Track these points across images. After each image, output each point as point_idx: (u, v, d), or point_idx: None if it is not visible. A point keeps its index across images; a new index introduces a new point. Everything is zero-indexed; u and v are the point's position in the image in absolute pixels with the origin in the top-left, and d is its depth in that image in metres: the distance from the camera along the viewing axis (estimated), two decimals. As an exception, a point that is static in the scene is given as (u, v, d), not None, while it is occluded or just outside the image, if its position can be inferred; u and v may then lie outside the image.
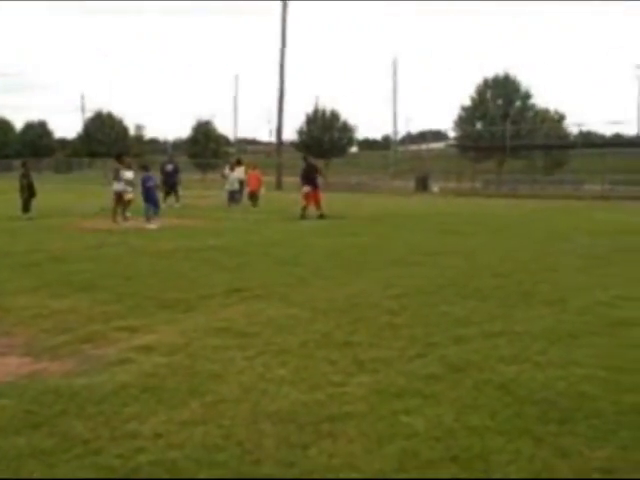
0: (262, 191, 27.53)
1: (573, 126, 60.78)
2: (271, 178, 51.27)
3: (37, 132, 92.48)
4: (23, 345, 6.10)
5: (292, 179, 50.45)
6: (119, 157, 21.21)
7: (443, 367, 5.35)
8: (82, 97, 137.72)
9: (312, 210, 21.32)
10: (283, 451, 3.80)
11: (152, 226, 17.82)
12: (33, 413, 4.38)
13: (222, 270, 10.30)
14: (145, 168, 19.82)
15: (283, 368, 5.32)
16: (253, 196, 26.70)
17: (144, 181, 18.95)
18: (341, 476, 3.54)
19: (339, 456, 3.75)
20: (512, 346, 5.97)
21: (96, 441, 3.94)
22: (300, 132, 60.66)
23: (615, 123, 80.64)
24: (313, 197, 21.67)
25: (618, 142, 53.98)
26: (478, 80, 60.25)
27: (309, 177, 21.94)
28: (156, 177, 20.11)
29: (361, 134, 68.29)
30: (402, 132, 70.10)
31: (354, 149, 72.92)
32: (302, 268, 10.60)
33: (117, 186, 19.74)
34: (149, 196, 18.70)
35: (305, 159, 24.01)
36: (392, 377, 5.11)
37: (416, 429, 4.12)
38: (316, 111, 60.24)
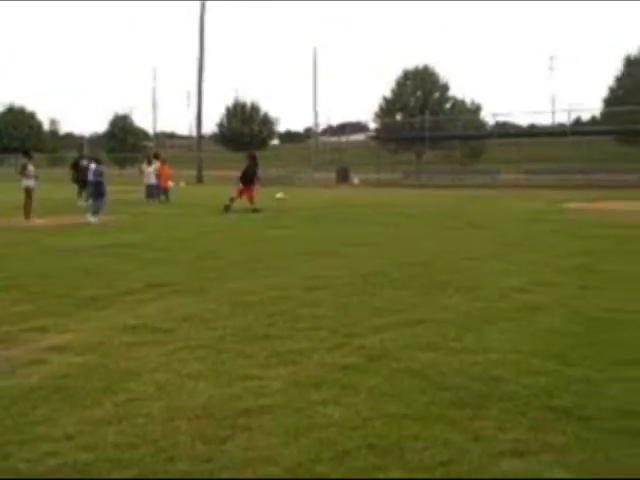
0: (170, 185, 27.42)
1: (490, 116, 62.12)
2: (192, 172, 50.82)
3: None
4: None
5: (214, 172, 50.13)
6: (26, 153, 20.53)
7: (361, 357, 5.38)
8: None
9: (244, 204, 21.24)
10: (199, 447, 3.75)
11: (94, 220, 17.56)
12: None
13: (141, 266, 10.12)
14: (97, 161, 19.70)
15: (200, 363, 5.25)
16: (164, 190, 26.65)
17: (95, 174, 18.75)
18: (258, 469, 3.52)
19: (256, 449, 3.73)
20: (429, 334, 6.06)
21: (4, 446, 3.80)
22: (220, 125, 60.17)
23: (530, 113, 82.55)
24: (248, 192, 21.63)
25: (533, 132, 55.42)
26: (398, 72, 60.96)
27: (251, 173, 22.00)
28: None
29: (283, 127, 68.06)
30: (323, 124, 70.08)
31: (275, 142, 72.80)
32: (222, 262, 10.52)
33: (26, 182, 19.09)
34: (98, 190, 18.49)
35: (250, 155, 24.02)
36: (310, 368, 5.11)
37: (333, 419, 4.13)
38: (236, 104, 59.80)
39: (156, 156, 28.41)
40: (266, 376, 4.93)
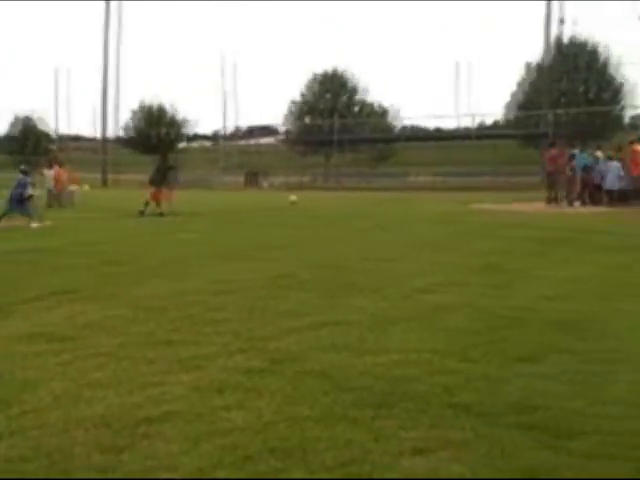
0: (73, 188, 26.86)
1: (398, 120, 63.15)
2: (98, 175, 49.75)
3: None
4: None
5: (120, 176, 49.22)
6: None
7: (265, 360, 5.35)
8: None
9: (154, 207, 20.90)
10: (95, 458, 3.64)
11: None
12: None
13: (45, 272, 9.80)
14: (24, 172, 19.19)
15: (100, 371, 5.11)
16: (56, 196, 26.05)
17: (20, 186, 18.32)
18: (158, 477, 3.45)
19: (155, 458, 3.65)
20: (333, 335, 6.08)
21: None
22: (126, 128, 59.06)
23: (438, 117, 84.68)
24: (158, 195, 21.26)
25: (440, 135, 56.66)
26: (308, 75, 61.19)
27: (164, 175, 21.70)
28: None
29: (192, 129, 67.20)
30: (232, 127, 69.68)
31: (183, 144, 71.86)
32: (130, 267, 10.31)
33: None
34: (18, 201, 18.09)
35: (163, 156, 23.71)
36: (213, 373, 5.05)
37: (236, 424, 4.08)
38: (142, 106, 58.82)
39: (55, 159, 27.62)
40: (168, 382, 4.84)
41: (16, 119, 71.29)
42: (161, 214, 20.46)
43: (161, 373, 5.07)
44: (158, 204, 21.02)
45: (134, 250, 12.55)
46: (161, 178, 21.70)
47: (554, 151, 25.24)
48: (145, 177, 22.21)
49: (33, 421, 4.15)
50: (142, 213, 20.50)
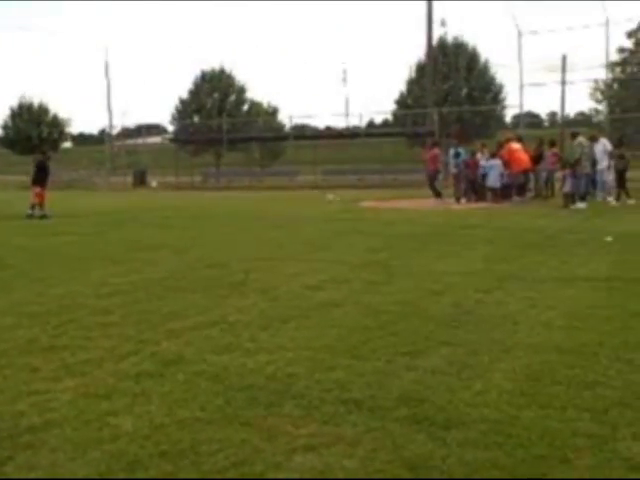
0: None
1: (287, 119, 63.45)
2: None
3: None
4: None
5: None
6: None
7: (155, 363, 5.26)
8: None
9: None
10: (-26, 471, 3.48)
11: None
12: None
13: None
14: None
15: (-23, 380, 4.89)
16: None
17: None
18: None
19: (39, 468, 3.52)
20: (225, 336, 6.04)
21: None
22: (5, 127, 56.63)
23: (327, 116, 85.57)
24: (42, 195, 20.44)
25: (328, 134, 57.08)
26: (196, 73, 60.43)
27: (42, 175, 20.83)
28: None
29: (78, 129, 65.16)
30: (118, 126, 68.01)
31: (68, 144, 69.72)
32: (9, 271, 9.91)
33: None
34: None
35: (43, 154, 22.73)
36: (101, 378, 4.92)
37: (124, 429, 3.99)
38: (21, 105, 56.51)
39: None
40: (53, 389, 4.68)
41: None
42: (44, 216, 19.73)
43: (46, 380, 4.89)
44: (41, 205, 20.25)
45: (9, 253, 12.06)
46: (45, 177, 20.85)
47: (436, 150, 25.96)
48: (27, 178, 21.28)
49: None
50: (31, 216, 19.65)
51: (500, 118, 51.86)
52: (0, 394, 4.61)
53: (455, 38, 49.57)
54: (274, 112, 63.52)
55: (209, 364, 5.23)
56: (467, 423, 4.04)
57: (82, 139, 70.95)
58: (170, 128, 63.53)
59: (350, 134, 49.10)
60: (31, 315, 6.95)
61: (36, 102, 59.81)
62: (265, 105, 63.20)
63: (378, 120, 66.05)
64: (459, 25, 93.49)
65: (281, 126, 60.69)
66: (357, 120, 66.80)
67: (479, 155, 24.95)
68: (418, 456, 3.62)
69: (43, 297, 7.91)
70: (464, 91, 48.50)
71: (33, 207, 20.04)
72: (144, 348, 5.67)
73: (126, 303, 7.48)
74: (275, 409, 4.29)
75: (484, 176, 23.98)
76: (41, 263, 10.80)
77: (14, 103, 60.36)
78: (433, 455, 3.63)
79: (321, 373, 4.98)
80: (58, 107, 60.81)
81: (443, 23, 44.56)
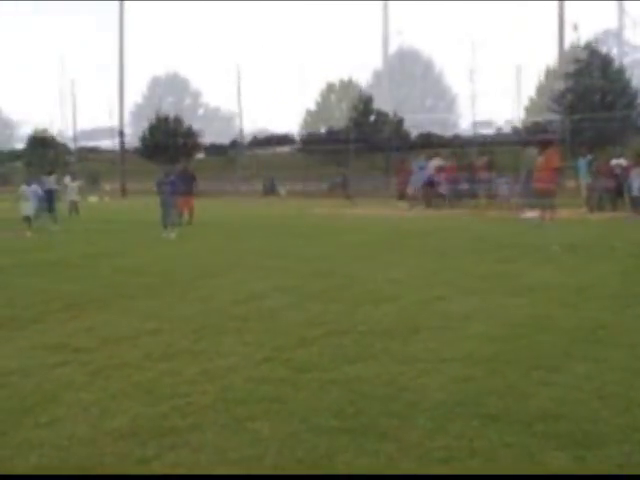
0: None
1: (412, 127, 63.30)
2: (116, 185, 50.07)
3: None
4: None
5: (139, 185, 49.40)
6: None
7: (289, 370, 5.36)
8: None
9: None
10: (124, 467, 3.67)
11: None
12: None
13: (59, 283, 9.82)
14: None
15: (125, 382, 5.14)
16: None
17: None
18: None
19: (183, 467, 3.68)
20: (356, 345, 6.09)
21: None
22: (143, 139, 59.39)
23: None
24: (186, 204, 21.22)
25: (447, 142, 56.37)
26: (322, 85, 61.49)
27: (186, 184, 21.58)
28: None
29: (209, 139, 67.35)
30: (249, 136, 69.88)
31: (201, 155, 72.15)
32: (147, 278, 10.34)
33: None
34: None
35: (184, 165, 23.72)
36: (238, 383, 5.06)
37: (262, 434, 4.10)
38: (159, 118, 59.13)
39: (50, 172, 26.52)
40: (194, 393, 4.86)
41: (35, 131, 71.82)
42: (188, 223, 20.45)
43: (187, 383, 5.08)
44: (181, 214, 20.88)
45: (153, 261, 12.60)
46: (189, 187, 21.38)
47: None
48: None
49: (62, 431, 4.19)
50: (179, 224, 20.28)
51: (636, 124, 49.68)
52: (145, 396, 4.83)
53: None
54: (400, 121, 63.47)
55: (342, 372, 5.28)
56: (608, 443, 3.89)
57: (214, 149, 73.13)
58: (298, 137, 64.74)
59: (463, 142, 48.31)
60: (172, 320, 7.25)
61: (172, 115, 62.35)
62: (391, 115, 63.27)
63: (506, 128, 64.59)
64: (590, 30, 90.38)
65: (406, 135, 60.48)
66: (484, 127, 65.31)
67: (614, 162, 24.03)
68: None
69: (183, 302, 8.24)
70: (597, 96, 46.81)
71: (180, 215, 20.68)
72: (278, 355, 5.80)
73: (260, 310, 7.67)
74: (408, 420, 4.28)
75: (622, 185, 23.02)
76: (182, 269, 11.23)
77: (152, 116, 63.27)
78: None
79: (454, 385, 4.93)
80: (191, 119, 63.05)
81: (575, 28, 43.22)
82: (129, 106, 61.16)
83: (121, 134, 52.75)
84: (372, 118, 59.20)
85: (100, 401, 4.73)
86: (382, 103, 44.91)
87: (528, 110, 58.19)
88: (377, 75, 49.58)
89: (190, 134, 61.33)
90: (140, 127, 58.09)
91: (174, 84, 58.28)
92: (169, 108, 57.72)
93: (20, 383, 5.20)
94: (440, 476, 3.61)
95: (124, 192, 48.74)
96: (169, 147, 56.73)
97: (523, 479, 3.63)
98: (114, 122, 56.27)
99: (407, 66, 47.32)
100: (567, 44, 38.46)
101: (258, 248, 14.11)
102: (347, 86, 60.33)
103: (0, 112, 63.17)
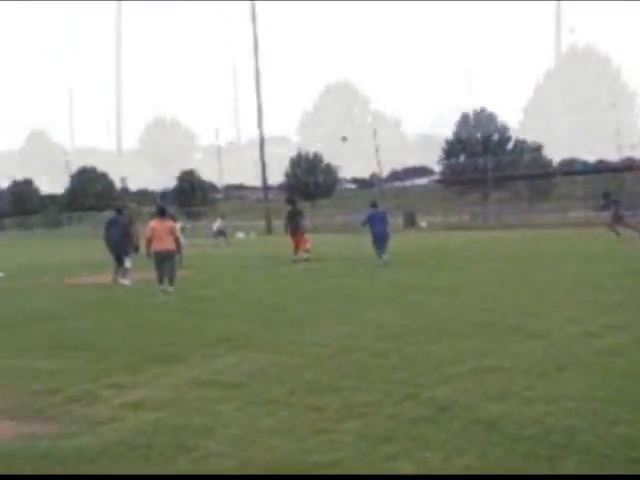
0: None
1: (554, 154, 61.62)
2: (261, 222, 51.66)
3: (24, 189, 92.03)
4: (14, 408, 6.05)
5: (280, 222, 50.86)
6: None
7: (430, 409, 5.33)
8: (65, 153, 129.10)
9: (300, 253, 21.24)
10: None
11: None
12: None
13: (209, 320, 10.25)
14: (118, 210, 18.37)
15: (271, 418, 5.29)
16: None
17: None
18: None
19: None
20: (500, 383, 5.97)
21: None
22: (286, 175, 61.42)
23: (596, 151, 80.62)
24: (300, 241, 21.55)
25: (601, 168, 54.34)
26: (454, 116, 61.27)
27: (295, 221, 21.83)
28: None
29: (347, 173, 68.62)
30: (387, 170, 70.48)
31: (341, 189, 73.45)
32: (290, 313, 10.58)
33: None
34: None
35: (290, 202, 23.79)
36: (380, 421, 5.09)
37: (404, 473, 4.10)
38: (299, 155, 61.00)
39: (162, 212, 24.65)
40: (337, 430, 4.94)
41: (183, 173, 75.40)
42: (294, 260, 20.68)
43: (329, 420, 5.17)
44: (296, 250, 21.28)
45: (291, 296, 12.85)
46: (295, 225, 21.74)
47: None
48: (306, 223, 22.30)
49: (213, 465, 4.37)
50: (296, 261, 20.73)
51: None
52: (290, 432, 4.96)
53: None
54: (539, 148, 62.04)
55: (485, 412, 5.20)
56: None
57: (353, 183, 74.23)
58: (436, 169, 64.57)
59: (624, 167, 46.22)
60: (314, 356, 7.39)
61: (311, 153, 64.11)
62: (530, 142, 61.98)
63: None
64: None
65: (547, 162, 58.92)
66: (630, 151, 62.26)
67: None
68: None
69: (325, 338, 8.36)
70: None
71: (306, 251, 21.08)
72: (420, 393, 5.78)
73: (401, 346, 7.67)
74: (558, 463, 4.15)
75: None
76: (317, 304, 11.43)
77: (293, 154, 65.21)
78: None
79: (604, 427, 4.74)
80: (330, 157, 64.35)
81: None
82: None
83: (263, 177, 54.29)
84: (510, 146, 58.25)
85: (248, 436, 4.89)
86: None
87: None
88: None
89: (329, 170, 62.64)
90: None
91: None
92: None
93: (173, 417, 5.46)
94: (440, 476, 3.47)
95: (269, 229, 50.10)
96: (309, 184, 58.14)
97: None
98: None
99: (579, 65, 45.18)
100: None
101: (413, 282, 14.11)
102: (482, 115, 59.77)
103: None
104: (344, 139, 54.69)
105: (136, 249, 16.97)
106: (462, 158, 59.13)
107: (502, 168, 53.02)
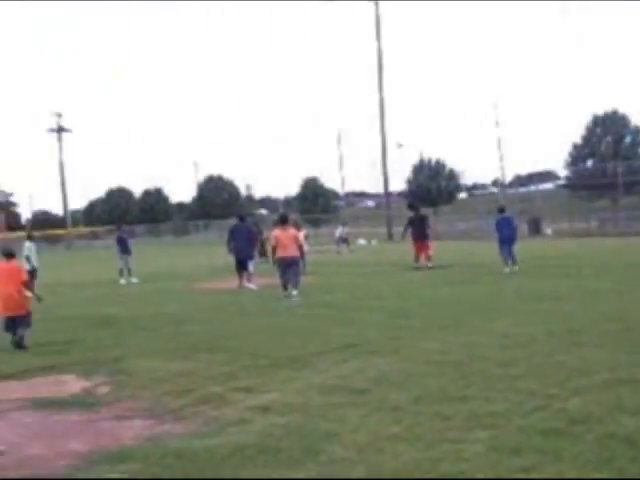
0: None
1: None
2: (383, 229, 51.74)
3: (155, 198, 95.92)
4: (147, 408, 6.33)
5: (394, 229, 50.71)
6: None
7: (562, 421, 5.17)
8: (195, 164, 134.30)
9: (423, 260, 21.10)
10: None
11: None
12: (157, 476, 4.54)
13: (333, 326, 10.37)
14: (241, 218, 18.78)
15: (397, 425, 5.29)
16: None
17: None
18: None
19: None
20: (635, 395, 5.72)
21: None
22: (409, 182, 61.25)
23: None
24: (422, 247, 21.47)
25: None
26: (585, 118, 58.94)
27: (417, 226, 21.65)
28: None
29: (469, 179, 67.60)
30: (510, 175, 68.87)
31: (462, 195, 72.46)
32: (414, 320, 10.53)
33: None
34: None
35: (412, 207, 23.75)
36: (510, 432, 4.98)
37: (536, 487, 4.00)
38: (422, 161, 60.65)
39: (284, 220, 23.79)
40: (465, 440, 4.87)
41: (306, 180, 76.70)
42: (415, 267, 20.58)
43: (457, 429, 5.11)
44: (417, 258, 21.14)
45: (415, 303, 12.78)
46: (418, 231, 21.53)
47: None
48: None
49: (339, 470, 4.41)
50: (418, 268, 20.64)
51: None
52: (416, 440, 4.93)
53: None
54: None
55: (620, 425, 4.99)
56: None
57: (476, 189, 73.11)
58: (562, 174, 62.52)
59: None
60: (439, 363, 7.33)
61: (434, 158, 63.60)
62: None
63: None
64: None
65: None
66: None
67: None
68: None
69: (447, 347, 8.28)
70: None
71: (428, 259, 20.89)
72: (551, 404, 5.62)
73: (529, 356, 7.48)
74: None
75: None
76: (442, 313, 11.31)
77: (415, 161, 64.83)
78: None
79: None
80: (454, 161, 63.63)
81: None
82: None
83: (385, 183, 54.26)
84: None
85: (374, 443, 4.91)
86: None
87: None
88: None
89: (452, 176, 61.92)
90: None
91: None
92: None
93: (301, 421, 5.55)
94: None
95: (390, 235, 50.05)
96: (431, 189, 57.67)
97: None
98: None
99: None
100: None
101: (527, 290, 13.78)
102: (613, 118, 57.29)
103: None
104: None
105: (263, 255, 17.51)
106: (589, 162, 56.98)
107: (634, 172, 50.66)
